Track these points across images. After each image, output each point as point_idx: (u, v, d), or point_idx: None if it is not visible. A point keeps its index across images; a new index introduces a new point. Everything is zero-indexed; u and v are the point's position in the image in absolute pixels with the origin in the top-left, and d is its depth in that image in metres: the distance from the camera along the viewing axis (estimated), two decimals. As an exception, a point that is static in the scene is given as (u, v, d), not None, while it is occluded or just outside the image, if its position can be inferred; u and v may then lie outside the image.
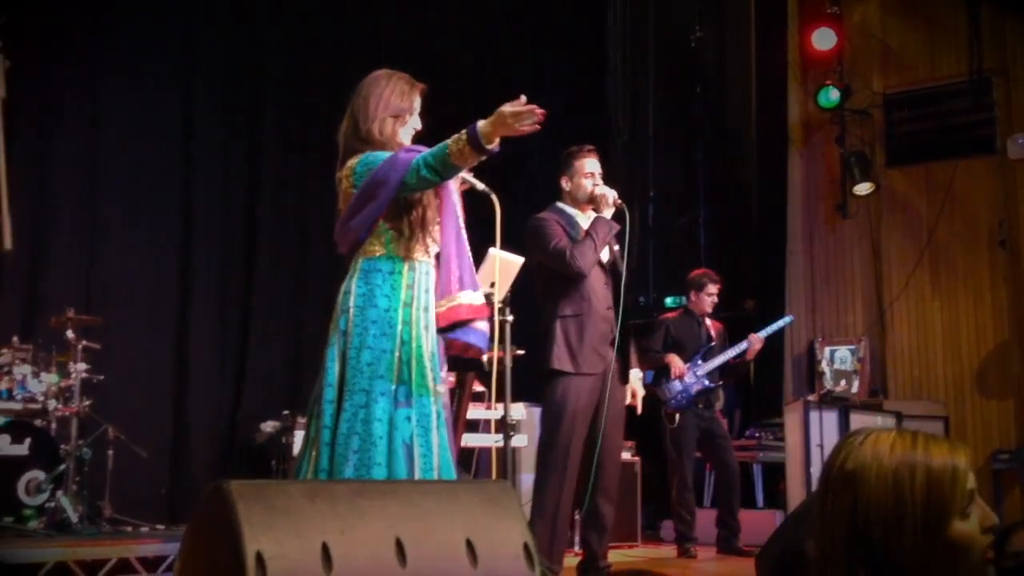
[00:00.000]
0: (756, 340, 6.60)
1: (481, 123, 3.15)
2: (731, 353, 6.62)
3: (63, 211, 6.42)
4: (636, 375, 4.84)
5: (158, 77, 6.96)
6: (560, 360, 4.50)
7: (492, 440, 6.72)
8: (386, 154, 3.30)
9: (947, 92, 8.41)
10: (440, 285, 3.33)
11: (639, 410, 4.87)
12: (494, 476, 3.56)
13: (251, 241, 7.34)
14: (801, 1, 9.21)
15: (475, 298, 3.36)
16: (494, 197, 3.54)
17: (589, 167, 4.72)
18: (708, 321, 6.84)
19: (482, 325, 3.42)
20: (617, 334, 4.60)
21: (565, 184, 4.76)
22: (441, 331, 3.32)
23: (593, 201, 4.66)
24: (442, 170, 3.19)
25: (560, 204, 4.77)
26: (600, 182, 4.69)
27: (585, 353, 4.50)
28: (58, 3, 6.46)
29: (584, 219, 4.68)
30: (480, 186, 3.56)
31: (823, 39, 8.69)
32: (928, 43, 8.58)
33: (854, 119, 8.70)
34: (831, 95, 8.54)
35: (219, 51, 7.31)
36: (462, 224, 3.41)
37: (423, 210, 3.31)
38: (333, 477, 3.07)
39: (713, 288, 6.77)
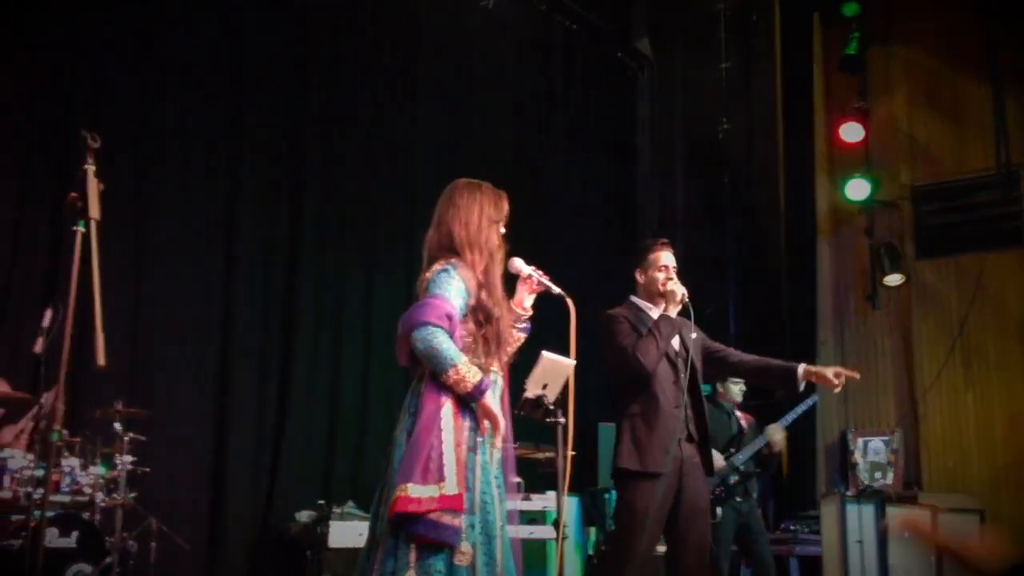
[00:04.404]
0: (774, 431, 6.53)
1: None
2: (758, 445, 6.58)
3: (106, 303, 6.47)
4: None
5: (202, 175, 7.11)
6: (626, 458, 4.44)
7: (528, 532, 6.76)
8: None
9: (975, 185, 8.52)
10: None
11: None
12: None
13: (288, 335, 7.42)
14: (827, 94, 9.38)
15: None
16: (569, 301, 3.64)
17: (664, 260, 4.67)
18: (738, 412, 6.82)
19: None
20: (692, 429, 4.54)
21: (639, 277, 4.71)
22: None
23: (663, 296, 4.60)
24: None
25: (634, 298, 4.74)
26: (673, 276, 4.64)
27: (652, 451, 4.40)
28: (107, 96, 6.64)
29: (656, 313, 4.62)
30: (556, 290, 3.67)
31: (850, 133, 8.84)
32: (955, 136, 8.71)
33: (882, 211, 8.81)
34: (859, 188, 8.64)
35: (263, 141, 7.48)
36: None
37: (498, 323, 3.40)
38: None
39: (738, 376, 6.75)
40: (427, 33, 8.74)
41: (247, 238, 7.28)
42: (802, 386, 4.55)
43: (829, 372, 4.41)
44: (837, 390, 4.41)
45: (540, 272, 3.71)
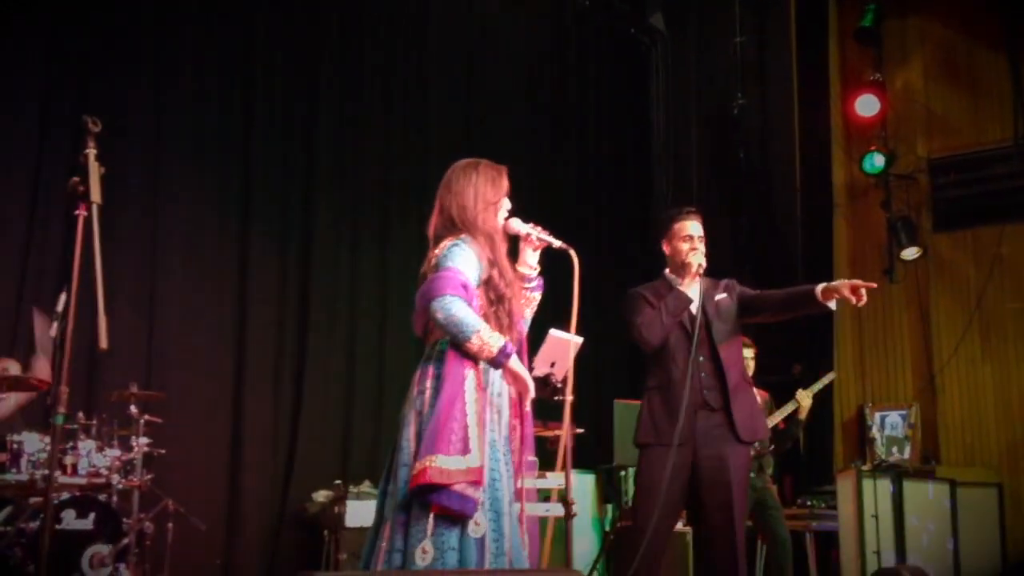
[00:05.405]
0: (803, 396, 6.50)
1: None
2: (780, 416, 6.56)
3: (122, 287, 6.54)
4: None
5: (216, 162, 7.14)
6: (643, 433, 4.44)
7: (543, 510, 6.77)
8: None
9: (993, 156, 8.44)
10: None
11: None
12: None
13: (303, 316, 7.45)
14: (843, 67, 9.30)
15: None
16: (572, 253, 3.58)
17: (688, 230, 4.49)
18: (753, 389, 6.77)
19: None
20: (711, 398, 4.41)
21: (665, 248, 4.57)
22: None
23: (683, 267, 4.47)
24: None
25: (666, 272, 4.60)
26: (698, 246, 4.49)
27: (663, 423, 4.36)
28: (120, 84, 6.66)
29: (684, 286, 4.47)
30: (556, 243, 3.62)
31: (866, 106, 8.75)
32: (972, 108, 8.63)
33: (899, 184, 8.74)
34: (875, 161, 8.58)
35: (276, 122, 7.51)
36: None
37: (509, 303, 3.40)
38: (407, 557, 3.12)
39: (748, 352, 6.70)
40: (440, 10, 8.72)
41: (262, 220, 7.32)
42: (832, 304, 4.28)
43: (845, 289, 4.16)
44: (861, 303, 4.17)
45: (539, 228, 3.65)
